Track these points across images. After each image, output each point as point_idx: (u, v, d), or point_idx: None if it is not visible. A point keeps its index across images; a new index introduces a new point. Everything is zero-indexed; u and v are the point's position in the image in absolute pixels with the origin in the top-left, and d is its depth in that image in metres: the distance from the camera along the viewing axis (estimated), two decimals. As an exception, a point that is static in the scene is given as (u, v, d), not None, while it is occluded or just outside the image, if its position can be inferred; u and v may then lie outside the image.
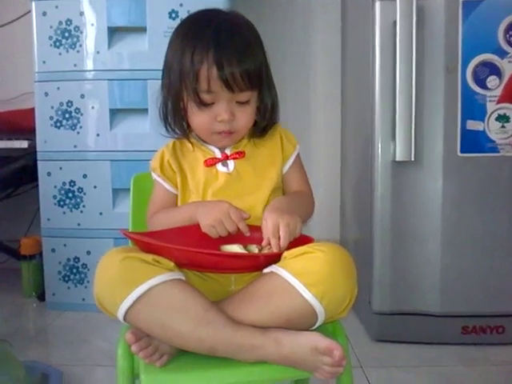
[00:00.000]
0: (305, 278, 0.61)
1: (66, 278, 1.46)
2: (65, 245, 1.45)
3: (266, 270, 0.66)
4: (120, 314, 0.61)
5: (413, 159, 1.15)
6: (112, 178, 1.41)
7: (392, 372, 1.11)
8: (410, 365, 1.14)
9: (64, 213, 1.44)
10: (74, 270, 1.45)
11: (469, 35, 1.16)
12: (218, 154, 0.82)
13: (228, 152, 0.82)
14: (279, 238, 0.67)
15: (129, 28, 1.40)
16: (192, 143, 0.83)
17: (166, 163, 0.83)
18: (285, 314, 0.62)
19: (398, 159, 1.16)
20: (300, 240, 0.69)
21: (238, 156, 0.81)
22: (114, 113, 1.41)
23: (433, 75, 1.17)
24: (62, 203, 1.44)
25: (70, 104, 1.41)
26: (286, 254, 0.66)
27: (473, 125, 1.17)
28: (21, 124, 1.58)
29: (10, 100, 1.75)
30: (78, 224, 1.44)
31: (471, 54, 1.16)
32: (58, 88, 1.41)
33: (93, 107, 1.41)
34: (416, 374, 1.10)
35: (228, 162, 0.81)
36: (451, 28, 1.16)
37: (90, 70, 1.40)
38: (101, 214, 1.43)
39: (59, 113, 1.42)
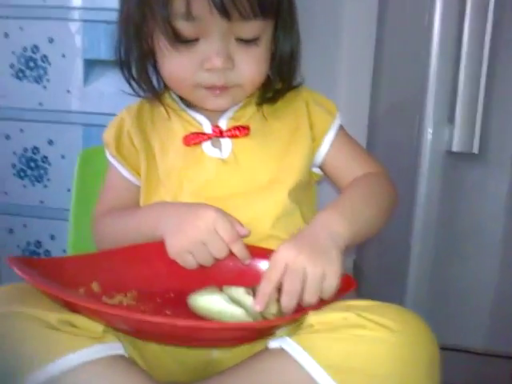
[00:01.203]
0: (347, 378, 0.33)
1: (25, 265, 1.20)
2: (25, 225, 1.19)
3: (273, 345, 0.37)
4: None
5: (476, 152, 0.86)
6: (84, 147, 1.13)
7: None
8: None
9: (24, 186, 1.17)
10: (35, 256, 1.20)
11: None
12: (207, 127, 0.53)
13: (223, 125, 0.53)
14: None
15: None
16: (167, 107, 0.55)
17: (124, 136, 0.56)
18: None
19: (454, 150, 0.86)
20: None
21: (238, 133, 0.52)
22: (90, 64, 1.12)
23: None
24: (22, 174, 1.17)
25: (35, 49, 1.12)
26: (312, 319, 0.37)
27: (560, 110, 0.87)
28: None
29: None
30: (41, 201, 1.17)
31: None
32: (21, 28, 1.12)
33: (64, 55, 1.11)
34: None
35: (222, 140, 0.52)
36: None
37: (61, 7, 1.10)
38: (69, 190, 1.15)
39: (22, 60, 1.13)
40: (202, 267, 0.44)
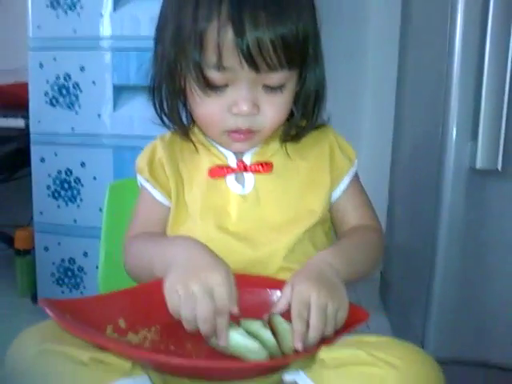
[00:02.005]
0: None
1: (60, 282, 1.26)
2: (59, 243, 1.25)
3: (287, 378, 0.40)
4: None
5: (499, 168, 0.86)
6: (114, 169, 1.18)
7: None
8: None
9: (58, 206, 1.23)
10: (69, 273, 1.25)
11: None
12: (232, 161, 0.56)
13: (247, 160, 0.55)
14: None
15: (139, -16, 1.14)
16: (194, 142, 0.58)
17: (157, 162, 0.58)
18: None
19: (478, 167, 0.86)
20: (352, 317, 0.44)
21: (261, 168, 0.54)
22: (119, 90, 1.17)
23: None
24: (56, 195, 1.23)
25: (67, 78, 1.18)
26: (323, 355, 0.40)
27: None
28: (22, 97, 1.37)
29: (11, 71, 1.54)
30: (75, 220, 1.23)
31: None
32: (55, 59, 1.18)
33: (94, 82, 1.17)
34: None
35: (245, 175, 0.55)
36: None
37: (92, 38, 1.16)
38: (100, 210, 1.20)
39: (55, 88, 1.19)
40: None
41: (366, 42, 1.51)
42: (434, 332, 0.97)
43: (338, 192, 0.57)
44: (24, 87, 1.40)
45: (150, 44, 1.11)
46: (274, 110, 0.51)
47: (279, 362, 0.40)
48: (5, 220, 1.63)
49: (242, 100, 0.49)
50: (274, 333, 0.44)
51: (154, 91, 0.55)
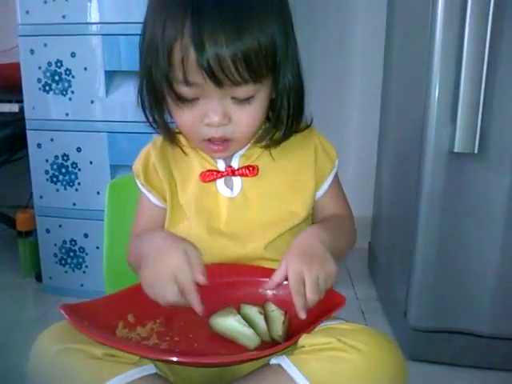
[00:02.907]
0: None
1: (63, 262, 1.32)
2: (60, 225, 1.29)
3: (273, 361, 0.46)
4: None
5: (476, 151, 0.90)
6: (109, 153, 1.22)
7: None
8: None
9: (57, 190, 1.27)
10: (71, 254, 1.30)
11: None
12: (221, 165, 0.60)
13: (235, 163, 0.59)
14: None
15: (126, -31, 1.13)
16: (184, 144, 0.61)
17: (151, 167, 0.61)
18: None
19: (456, 150, 0.91)
20: (326, 301, 0.49)
21: (248, 172, 0.58)
22: (111, 75, 1.19)
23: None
24: (54, 179, 1.26)
25: (59, 64, 1.19)
26: (304, 341, 0.46)
27: (559, 108, 0.90)
28: (13, 79, 1.38)
29: (2, 52, 1.54)
30: (74, 204, 1.27)
31: None
32: (45, 45, 1.19)
33: (86, 68, 1.18)
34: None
35: (233, 179, 0.59)
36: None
37: (82, 23, 1.16)
38: (98, 193, 1.25)
39: (47, 74, 1.20)
40: (219, 289, 0.52)
41: (354, 34, 1.52)
42: (415, 303, 1.04)
43: (321, 192, 0.62)
44: (14, 67, 1.42)
45: (138, 29, 1.13)
46: (245, 119, 0.53)
47: (265, 353, 0.46)
48: (3, 201, 1.67)
49: (212, 112, 0.51)
50: (266, 319, 0.50)
51: (142, 101, 0.57)
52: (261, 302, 0.52)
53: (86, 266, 1.30)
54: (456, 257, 1.00)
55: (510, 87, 0.90)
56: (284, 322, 0.49)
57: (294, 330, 0.49)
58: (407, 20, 1.19)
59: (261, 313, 0.50)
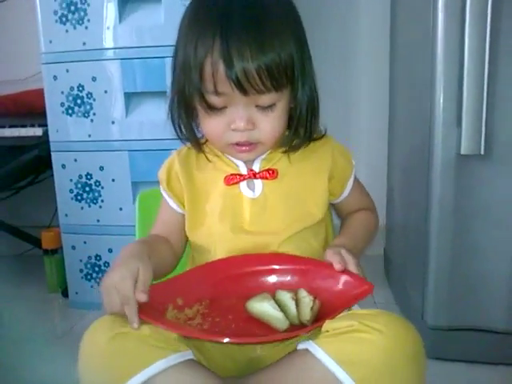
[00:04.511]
0: (354, 369, 0.46)
1: (89, 277, 1.37)
2: (85, 242, 1.35)
3: (300, 347, 0.50)
4: None
5: (482, 153, 0.94)
6: (131, 170, 1.28)
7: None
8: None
9: (82, 208, 1.33)
10: (96, 269, 1.36)
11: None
12: (243, 169, 0.65)
13: (256, 167, 0.65)
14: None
15: (141, -3, 1.21)
16: (208, 153, 0.67)
17: (173, 175, 0.67)
18: None
19: (463, 153, 0.95)
20: (353, 288, 0.53)
21: (268, 175, 0.63)
22: (130, 97, 1.26)
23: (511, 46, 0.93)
24: (79, 198, 1.32)
25: (80, 88, 1.26)
26: (327, 326, 0.50)
27: (561, 108, 0.94)
28: (36, 105, 1.45)
29: (23, 80, 1.62)
30: (98, 220, 1.33)
31: None
32: (67, 70, 1.26)
33: (106, 91, 1.25)
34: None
35: (254, 181, 0.64)
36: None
37: (101, 49, 1.24)
38: (121, 209, 1.31)
39: (70, 98, 1.28)
40: (259, 279, 0.58)
41: (358, 45, 1.58)
42: (432, 303, 1.07)
43: (345, 193, 0.68)
44: (35, 94, 1.49)
45: (153, 53, 1.20)
46: (268, 125, 0.59)
47: (292, 334, 0.51)
48: (26, 222, 1.73)
49: (239, 118, 0.58)
50: (297, 304, 0.54)
51: (172, 115, 0.64)
52: (294, 288, 0.57)
53: (111, 280, 1.35)
54: (469, 257, 1.03)
55: (511, 91, 0.94)
56: (312, 308, 0.53)
57: (323, 315, 0.53)
58: (410, 31, 1.24)
59: (293, 298, 0.54)
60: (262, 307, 0.54)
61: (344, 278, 0.55)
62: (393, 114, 1.45)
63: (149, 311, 0.51)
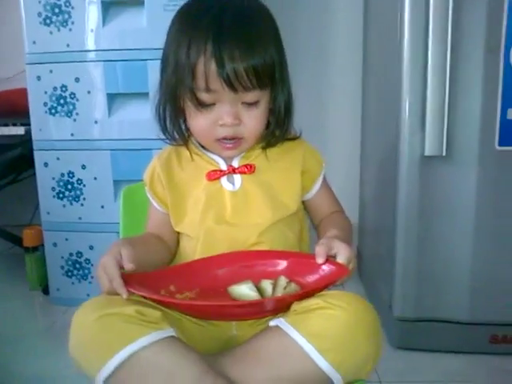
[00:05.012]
0: (319, 342, 0.51)
1: (70, 274, 1.39)
2: (66, 239, 1.38)
3: (271, 323, 0.55)
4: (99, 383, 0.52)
5: (444, 154, 1.02)
6: (112, 169, 1.31)
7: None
8: (434, 379, 1.05)
9: (64, 206, 1.36)
10: (77, 266, 1.38)
11: (515, 7, 0.98)
12: (223, 166, 0.70)
13: (235, 164, 0.70)
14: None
15: (125, 1, 1.25)
16: (191, 151, 0.72)
17: (156, 177, 0.72)
18: (294, 381, 0.53)
19: (427, 154, 1.02)
20: (331, 270, 0.59)
21: (246, 170, 0.68)
22: (112, 97, 1.29)
23: (471, 57, 1.01)
24: (61, 195, 1.35)
25: (64, 89, 1.29)
26: (295, 306, 0.55)
27: (515, 114, 1.02)
28: (18, 104, 1.47)
29: (5, 79, 1.64)
30: (79, 218, 1.35)
31: (517, 30, 0.99)
32: (51, 71, 1.29)
33: (89, 92, 1.29)
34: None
35: (234, 176, 0.69)
36: (495, 0, 0.98)
37: (85, 51, 1.27)
38: (102, 207, 1.34)
39: (53, 98, 1.30)
40: (246, 271, 0.63)
41: (333, 54, 1.66)
42: (399, 296, 1.14)
43: (313, 191, 0.73)
44: (17, 93, 1.51)
45: (135, 55, 1.24)
46: (252, 120, 0.65)
47: (260, 300, 0.56)
48: (6, 221, 1.74)
49: (226, 114, 0.63)
50: (274, 287, 0.60)
51: (159, 112, 0.69)
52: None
53: (92, 277, 1.38)
54: (433, 252, 1.10)
55: (471, 98, 1.02)
56: (285, 288, 0.58)
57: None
58: (380, 44, 1.32)
59: (272, 283, 0.60)
60: (240, 289, 0.59)
61: (323, 265, 0.60)
62: (365, 119, 1.53)
63: (140, 289, 0.56)
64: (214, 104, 0.64)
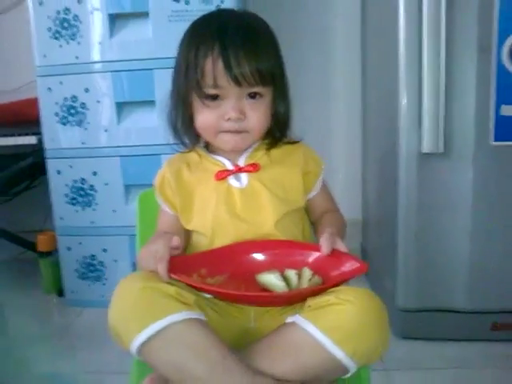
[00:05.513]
0: (334, 334, 0.57)
1: (84, 276, 1.45)
2: (80, 243, 1.43)
3: (288, 320, 0.60)
4: (133, 348, 0.58)
5: (441, 151, 1.06)
6: (123, 174, 1.36)
7: (417, 375, 1.07)
8: (437, 367, 1.10)
9: (77, 211, 1.41)
10: (92, 268, 1.44)
11: (506, 8, 1.03)
12: (230, 166, 0.75)
13: (241, 163, 0.75)
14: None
15: (131, 14, 1.30)
16: (200, 155, 0.77)
17: (165, 181, 0.77)
18: (312, 371, 0.58)
19: (424, 151, 1.07)
20: (356, 268, 0.63)
21: (251, 169, 0.74)
22: (121, 106, 1.34)
23: (464, 56, 1.05)
24: (74, 201, 1.40)
25: (74, 99, 1.35)
26: (310, 302, 0.60)
27: (508, 110, 1.06)
28: (28, 114, 1.53)
29: (16, 90, 1.69)
30: (92, 222, 1.41)
31: (509, 30, 1.03)
32: (61, 83, 1.34)
33: (98, 101, 1.34)
34: (443, 377, 1.06)
35: (241, 175, 0.74)
36: (486, 1, 1.03)
37: (93, 62, 1.32)
38: (114, 211, 1.40)
39: (64, 109, 1.36)
40: (272, 259, 0.68)
41: (334, 59, 1.71)
42: (401, 288, 1.19)
43: (314, 192, 0.78)
44: (28, 103, 1.57)
45: (142, 65, 1.29)
46: (256, 114, 0.71)
47: (287, 293, 0.61)
48: (20, 226, 1.79)
49: (232, 108, 0.69)
50: (299, 277, 0.64)
51: (171, 116, 0.75)
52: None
53: (106, 279, 1.43)
54: (433, 245, 1.15)
55: (466, 96, 1.06)
56: (310, 280, 0.63)
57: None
58: (377, 47, 1.37)
59: (297, 274, 0.65)
60: (268, 278, 0.64)
61: (346, 261, 0.65)
62: (365, 119, 1.58)
63: (177, 273, 0.61)
64: (220, 100, 0.69)
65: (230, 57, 0.66)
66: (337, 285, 0.62)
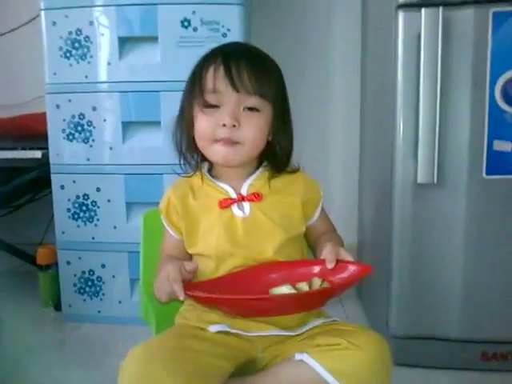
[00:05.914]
0: (343, 378, 0.60)
1: (82, 291, 1.46)
2: (80, 258, 1.45)
3: (297, 357, 0.63)
4: None
5: (435, 182, 1.10)
6: (125, 192, 1.39)
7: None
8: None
9: (78, 226, 1.43)
10: (90, 283, 1.45)
11: (499, 49, 1.08)
12: (233, 194, 0.78)
13: (243, 192, 0.78)
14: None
15: (140, 38, 1.35)
16: (203, 179, 0.80)
17: (171, 206, 0.80)
18: None
19: (419, 182, 1.11)
20: (361, 269, 0.67)
21: (254, 198, 0.76)
22: (127, 125, 1.38)
23: (459, 92, 1.10)
24: (76, 216, 1.43)
25: (81, 117, 1.38)
26: (319, 341, 0.63)
27: (500, 145, 1.11)
28: (35, 128, 1.56)
29: (23, 104, 1.73)
30: (93, 237, 1.43)
31: (501, 69, 1.08)
32: (70, 100, 1.38)
33: (105, 120, 1.38)
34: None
35: (243, 204, 0.77)
36: (480, 41, 1.08)
37: (102, 82, 1.37)
38: (115, 227, 1.42)
39: (71, 125, 1.39)
40: (282, 277, 0.71)
41: (333, 87, 1.76)
42: (394, 314, 1.20)
43: (314, 218, 0.82)
44: (34, 117, 1.61)
45: (149, 87, 1.34)
46: (251, 126, 0.73)
47: (297, 294, 0.65)
48: (19, 239, 1.81)
49: (227, 114, 0.72)
50: (310, 287, 0.68)
51: (176, 136, 0.79)
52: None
53: (103, 294, 1.45)
54: (427, 273, 1.17)
55: (460, 130, 1.10)
56: (321, 285, 0.67)
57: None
58: (376, 80, 1.42)
59: (307, 284, 0.68)
60: (280, 290, 0.68)
61: (350, 265, 0.69)
62: (362, 147, 1.63)
63: (194, 292, 0.65)
64: (218, 107, 0.73)
65: (231, 63, 0.71)
66: (344, 287, 0.65)
